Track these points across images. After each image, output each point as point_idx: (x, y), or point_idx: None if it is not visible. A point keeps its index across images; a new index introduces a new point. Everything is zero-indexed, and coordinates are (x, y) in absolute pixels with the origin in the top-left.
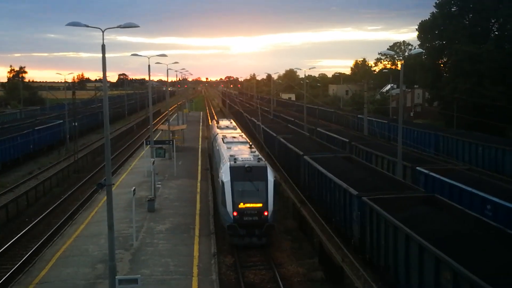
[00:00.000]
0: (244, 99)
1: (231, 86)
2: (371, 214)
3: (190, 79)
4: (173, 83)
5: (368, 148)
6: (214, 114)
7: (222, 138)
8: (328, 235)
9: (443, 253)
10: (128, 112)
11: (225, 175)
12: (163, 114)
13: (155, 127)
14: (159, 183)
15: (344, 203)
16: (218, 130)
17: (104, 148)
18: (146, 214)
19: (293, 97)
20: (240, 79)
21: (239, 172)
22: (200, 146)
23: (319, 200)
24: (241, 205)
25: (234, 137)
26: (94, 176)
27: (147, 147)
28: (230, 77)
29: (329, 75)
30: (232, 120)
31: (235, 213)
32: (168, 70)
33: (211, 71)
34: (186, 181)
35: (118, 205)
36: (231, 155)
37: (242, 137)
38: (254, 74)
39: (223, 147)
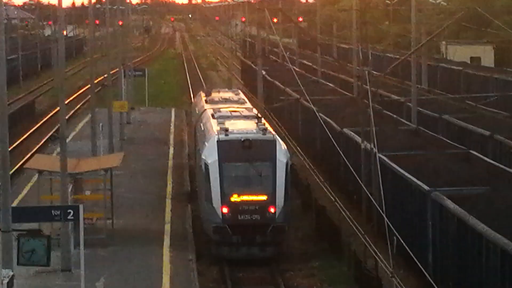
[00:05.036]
0: (319, 65)
1: (274, 20)
2: None
3: (135, 1)
4: (76, 12)
5: None
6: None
7: (211, 114)
8: None
9: None
10: None
11: (209, 155)
12: (47, 117)
13: (20, 162)
14: None
15: None
16: (206, 106)
17: None
18: None
19: (487, 53)
20: None
21: (232, 148)
22: (168, 224)
23: None
24: (235, 197)
25: (234, 111)
26: None
27: None
28: None
29: None
30: (240, 91)
31: (225, 209)
32: None
33: None
34: None
35: None
36: (221, 128)
37: (249, 111)
38: None
39: (210, 124)
